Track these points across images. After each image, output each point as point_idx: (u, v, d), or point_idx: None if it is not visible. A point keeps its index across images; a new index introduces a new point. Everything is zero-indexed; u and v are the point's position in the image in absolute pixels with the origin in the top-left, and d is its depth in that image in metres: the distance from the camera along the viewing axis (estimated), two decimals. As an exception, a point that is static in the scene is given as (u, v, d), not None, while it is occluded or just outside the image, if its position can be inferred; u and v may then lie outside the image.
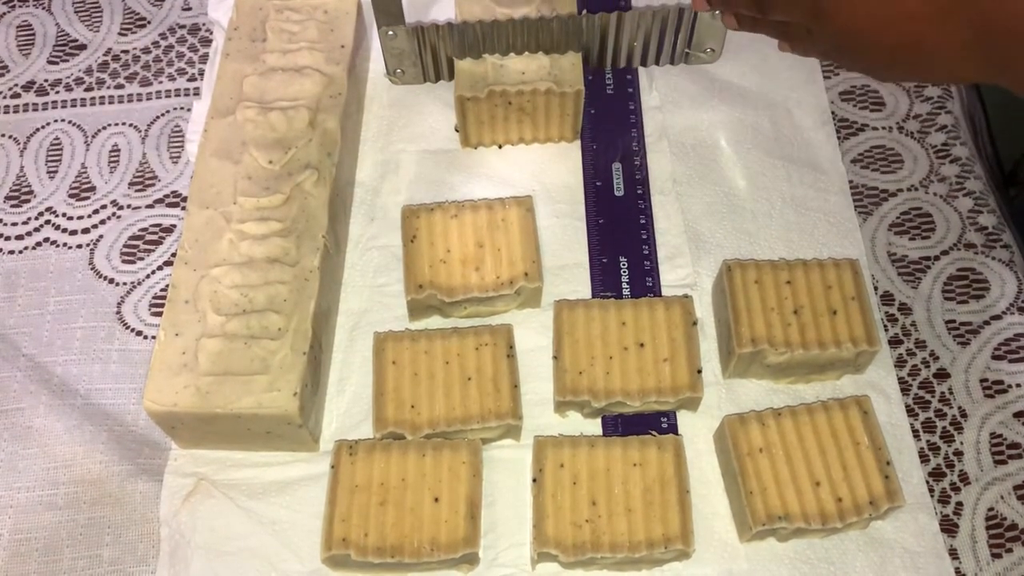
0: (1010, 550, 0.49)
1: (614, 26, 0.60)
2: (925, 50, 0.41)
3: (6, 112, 0.65)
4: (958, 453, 0.52)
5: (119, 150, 0.63)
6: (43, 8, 0.69)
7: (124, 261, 0.59)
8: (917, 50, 0.42)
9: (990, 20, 0.38)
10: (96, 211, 0.61)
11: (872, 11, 0.41)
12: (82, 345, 0.56)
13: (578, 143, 0.62)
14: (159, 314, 0.57)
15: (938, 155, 0.62)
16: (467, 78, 0.58)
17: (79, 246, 0.59)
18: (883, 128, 0.63)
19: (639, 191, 0.59)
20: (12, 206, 0.61)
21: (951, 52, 0.40)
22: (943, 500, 0.51)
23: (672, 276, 0.57)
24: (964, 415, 0.53)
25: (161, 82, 0.66)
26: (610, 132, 0.62)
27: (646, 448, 0.49)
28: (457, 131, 0.61)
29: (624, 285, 0.56)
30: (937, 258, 0.58)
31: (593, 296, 0.56)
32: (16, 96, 0.65)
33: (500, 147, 0.61)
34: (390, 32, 0.58)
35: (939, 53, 0.41)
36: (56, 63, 0.67)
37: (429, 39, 0.59)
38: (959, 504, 0.51)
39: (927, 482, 0.51)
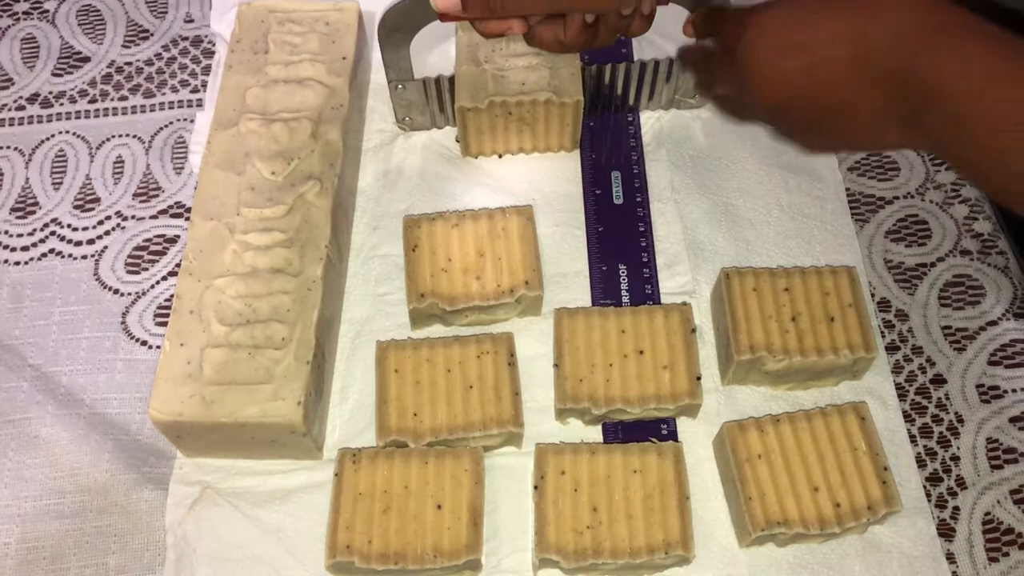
0: (1007, 554, 0.50)
1: (613, 76, 0.61)
2: (850, 117, 0.42)
3: (11, 124, 0.65)
4: (955, 458, 0.53)
5: (123, 161, 0.64)
6: (47, 21, 0.70)
7: (129, 272, 0.60)
8: (843, 117, 0.42)
9: (920, 89, 0.39)
10: (101, 222, 0.61)
11: (795, 83, 0.42)
12: (87, 355, 0.57)
13: (577, 152, 0.62)
14: (164, 324, 0.57)
15: (934, 162, 0.62)
16: (468, 88, 0.59)
17: (84, 257, 0.60)
18: (879, 136, 0.63)
19: (638, 199, 0.60)
20: (18, 217, 0.62)
21: (877, 118, 0.41)
22: (940, 505, 0.51)
23: (671, 284, 0.57)
24: (961, 420, 0.54)
25: (164, 94, 0.67)
26: (609, 142, 0.62)
27: (646, 455, 0.50)
28: (458, 141, 0.62)
29: (623, 293, 0.57)
30: (933, 265, 0.59)
31: (593, 304, 0.57)
32: (21, 108, 0.66)
33: (500, 156, 0.62)
34: (400, 86, 0.59)
35: (864, 119, 0.42)
36: (60, 75, 0.68)
37: (435, 91, 0.60)
38: (956, 509, 0.51)
39: (924, 487, 0.52)
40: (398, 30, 0.55)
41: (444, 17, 0.52)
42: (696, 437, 0.53)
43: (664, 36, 0.65)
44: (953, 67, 0.38)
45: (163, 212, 0.62)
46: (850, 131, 0.44)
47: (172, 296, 0.57)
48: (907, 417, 0.54)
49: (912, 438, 0.53)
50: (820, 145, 0.47)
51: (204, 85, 0.67)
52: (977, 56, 0.38)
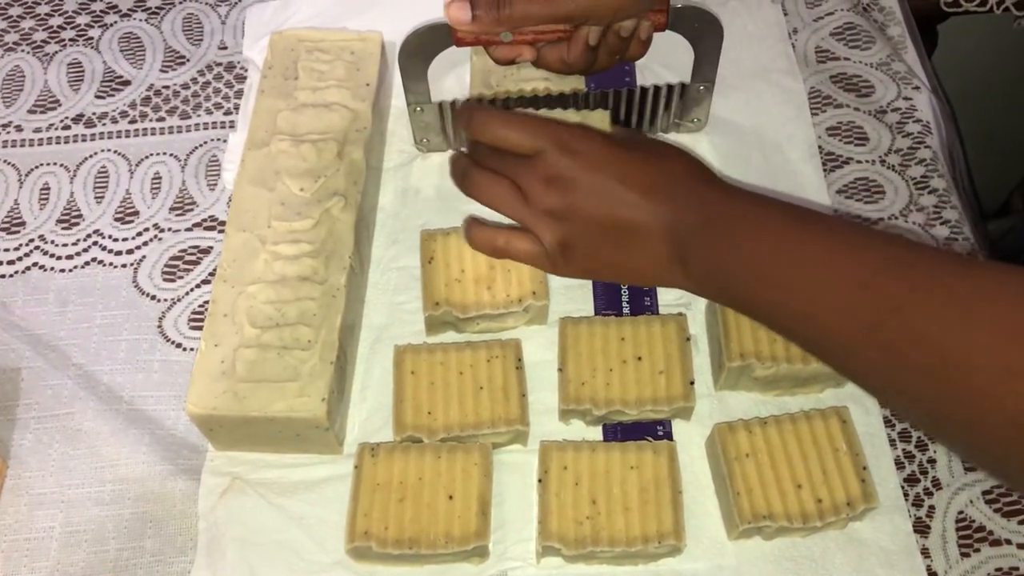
0: (978, 550, 0.53)
1: (616, 101, 0.65)
2: (640, 276, 0.54)
3: (58, 143, 0.70)
4: (931, 461, 0.56)
5: (160, 178, 0.68)
6: (92, 47, 0.75)
7: (165, 280, 0.64)
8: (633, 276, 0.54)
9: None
10: (139, 233, 0.66)
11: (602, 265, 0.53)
12: (127, 356, 0.61)
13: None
14: (197, 328, 0.62)
15: (917, 187, 0.66)
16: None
17: (124, 266, 0.65)
18: (866, 161, 0.68)
19: (639, 218, 0.64)
20: (63, 229, 0.66)
21: (661, 272, 0.52)
22: (917, 503, 0.55)
23: (669, 296, 0.61)
24: (938, 426, 0.57)
25: (199, 115, 0.71)
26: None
27: (642, 452, 0.54)
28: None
29: (624, 304, 0.61)
30: (915, 281, 0.62)
31: (595, 314, 0.61)
32: (67, 128, 0.71)
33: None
34: (418, 109, 0.64)
35: (651, 275, 0.53)
36: (103, 97, 0.72)
37: (451, 114, 0.65)
38: (931, 507, 0.55)
39: (902, 487, 0.55)
40: (416, 56, 0.60)
41: (459, 42, 0.57)
42: (690, 438, 0.57)
43: (664, 64, 0.69)
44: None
45: (197, 225, 0.66)
46: (637, 280, 0.55)
47: (205, 302, 0.61)
48: (887, 422, 0.57)
49: (892, 442, 0.57)
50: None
51: (236, 108, 0.71)
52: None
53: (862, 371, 0.44)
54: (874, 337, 0.41)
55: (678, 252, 0.49)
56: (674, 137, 0.68)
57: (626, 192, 0.50)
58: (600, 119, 0.57)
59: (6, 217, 0.67)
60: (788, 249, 0.45)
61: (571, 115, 0.57)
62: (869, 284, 0.42)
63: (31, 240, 0.66)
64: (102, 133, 0.71)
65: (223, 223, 0.65)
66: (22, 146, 0.70)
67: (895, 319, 0.40)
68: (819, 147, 0.68)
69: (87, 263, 0.65)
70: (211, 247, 0.65)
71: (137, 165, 0.69)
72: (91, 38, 0.75)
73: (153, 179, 0.68)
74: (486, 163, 0.54)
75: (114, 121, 0.71)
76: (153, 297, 0.63)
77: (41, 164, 0.69)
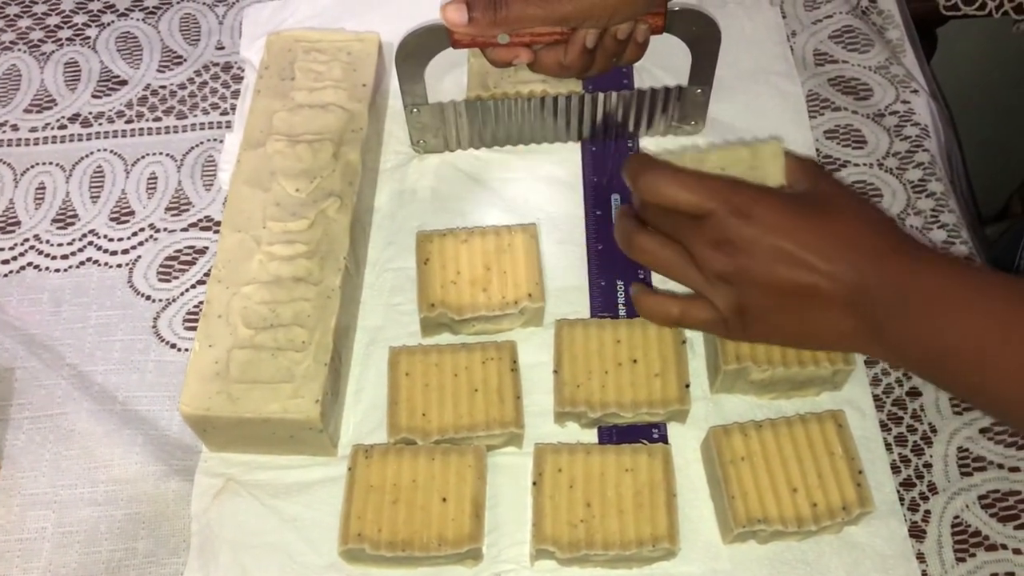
0: (973, 555, 0.53)
1: (613, 103, 0.65)
2: (823, 341, 0.53)
3: (54, 142, 0.70)
4: (927, 465, 0.56)
5: (156, 178, 0.68)
6: (88, 47, 0.75)
7: (160, 280, 0.64)
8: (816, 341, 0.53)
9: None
10: (135, 233, 0.66)
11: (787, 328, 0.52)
12: (121, 356, 0.61)
13: (580, 177, 0.66)
14: (192, 328, 0.61)
15: (915, 190, 0.66)
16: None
17: (119, 266, 0.64)
18: (864, 164, 0.67)
19: (636, 220, 0.64)
20: (58, 228, 0.66)
21: (844, 338, 0.51)
22: (912, 508, 0.55)
23: (665, 299, 0.61)
24: (934, 430, 0.57)
25: (196, 115, 0.71)
26: (610, 166, 0.67)
27: (637, 455, 0.53)
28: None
29: (620, 306, 0.61)
30: (912, 285, 0.62)
31: (591, 316, 0.61)
32: (63, 127, 0.71)
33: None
34: (415, 110, 0.64)
35: (834, 340, 0.51)
36: (100, 97, 0.72)
37: (448, 115, 0.65)
38: (927, 512, 0.55)
39: (898, 491, 0.55)
40: (414, 57, 0.60)
41: (456, 44, 0.57)
42: (685, 441, 0.56)
43: (662, 67, 0.69)
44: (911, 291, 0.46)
45: (193, 225, 0.66)
46: (817, 345, 0.53)
47: (200, 303, 0.61)
48: (883, 427, 0.57)
49: (888, 446, 0.57)
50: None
51: (233, 108, 0.71)
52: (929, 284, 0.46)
53: None
54: None
55: (867, 322, 0.48)
56: (671, 140, 0.68)
57: (805, 257, 0.47)
58: (773, 152, 0.53)
59: (1, 217, 0.67)
60: (1018, 333, 0.44)
61: (741, 150, 0.53)
62: None
63: (26, 240, 0.66)
64: (98, 133, 0.71)
65: (219, 223, 0.65)
66: (18, 145, 0.70)
67: None
68: (817, 150, 0.68)
69: (82, 263, 0.65)
70: (207, 247, 0.65)
71: (133, 165, 0.69)
72: (88, 37, 0.75)
73: (149, 179, 0.68)
74: (653, 224, 0.52)
75: (110, 121, 0.71)
76: (148, 297, 0.63)
77: (37, 164, 0.69)
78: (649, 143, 0.68)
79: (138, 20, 0.76)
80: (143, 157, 0.69)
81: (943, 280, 0.47)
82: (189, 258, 0.65)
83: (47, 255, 0.65)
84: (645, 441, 0.56)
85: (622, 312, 0.61)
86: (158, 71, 0.73)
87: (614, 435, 0.57)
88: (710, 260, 0.49)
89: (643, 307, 0.55)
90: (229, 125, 0.70)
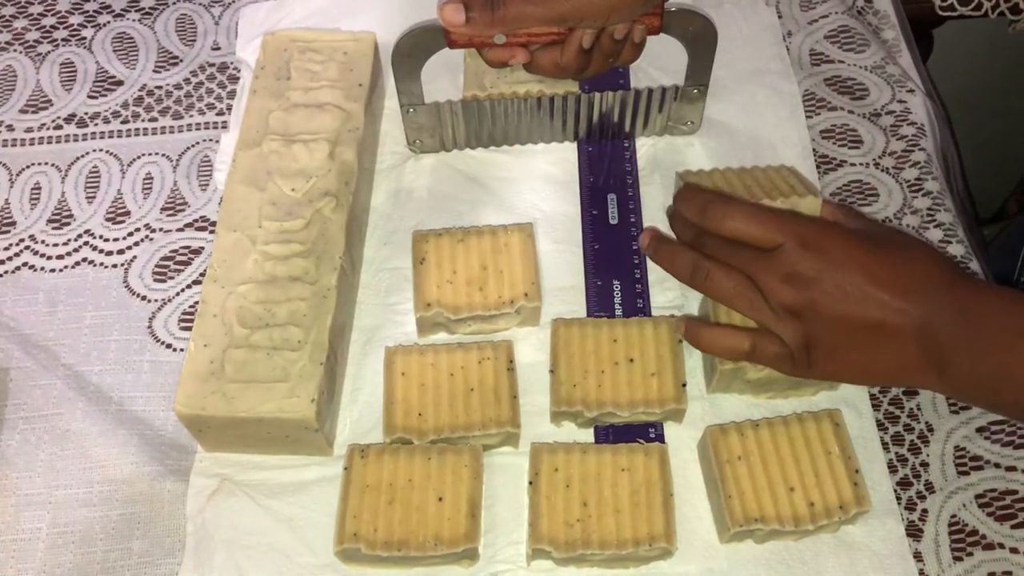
0: (971, 554, 0.53)
1: (609, 103, 0.65)
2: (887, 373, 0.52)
3: (49, 142, 0.70)
4: (924, 464, 0.56)
5: (152, 178, 0.68)
6: (84, 47, 0.75)
7: (156, 280, 0.64)
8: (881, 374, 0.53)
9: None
10: (131, 234, 0.66)
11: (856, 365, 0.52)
12: (116, 356, 0.61)
13: (576, 176, 0.66)
14: (187, 328, 0.61)
15: (911, 189, 0.66)
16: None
17: (114, 266, 0.64)
18: (860, 164, 0.67)
19: (632, 220, 0.64)
20: (54, 228, 0.66)
21: (907, 370, 0.50)
22: (909, 507, 0.55)
23: (662, 298, 0.61)
24: (931, 429, 0.57)
25: (192, 116, 0.71)
26: (606, 166, 0.67)
27: (633, 454, 0.53)
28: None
29: (617, 306, 0.61)
30: (909, 284, 0.62)
31: (588, 315, 0.61)
32: (59, 128, 0.71)
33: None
34: (411, 110, 0.64)
35: (896, 371, 0.51)
36: (95, 98, 0.72)
37: (445, 115, 0.65)
38: (924, 511, 0.55)
39: (895, 490, 0.55)
40: (410, 57, 0.60)
41: (452, 44, 0.57)
42: (682, 441, 0.56)
43: (658, 67, 0.69)
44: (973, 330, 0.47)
45: (189, 225, 0.66)
46: (881, 381, 0.54)
47: (196, 303, 0.61)
48: (880, 426, 0.57)
49: (885, 445, 0.57)
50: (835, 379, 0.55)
51: (229, 108, 0.71)
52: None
53: None
54: None
55: (933, 356, 0.48)
56: (668, 140, 0.68)
57: (874, 291, 0.48)
58: (810, 206, 0.55)
59: (-4, 217, 0.67)
60: None
61: (778, 203, 0.55)
62: None
63: (21, 240, 0.66)
64: (94, 133, 0.70)
65: (215, 223, 0.64)
66: (13, 146, 0.70)
67: None
68: (813, 150, 0.68)
69: (78, 263, 0.65)
70: (202, 247, 0.65)
71: (129, 165, 0.69)
72: (84, 38, 0.75)
73: (145, 179, 0.68)
74: (719, 256, 0.52)
75: (106, 121, 0.71)
76: (144, 297, 0.63)
77: (32, 164, 0.69)
78: (645, 143, 0.68)
79: (134, 21, 0.76)
80: (139, 157, 0.69)
81: (1008, 307, 0.48)
82: (185, 258, 0.65)
83: (43, 255, 0.65)
84: (642, 440, 0.55)
85: (618, 311, 0.61)
86: (154, 71, 0.73)
87: (610, 435, 0.57)
88: (779, 293, 0.50)
89: (706, 339, 0.54)
90: (225, 125, 0.70)
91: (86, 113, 0.71)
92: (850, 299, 0.49)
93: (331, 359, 0.55)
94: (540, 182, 0.66)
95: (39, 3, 0.77)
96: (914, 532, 0.54)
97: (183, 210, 0.67)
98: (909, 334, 0.48)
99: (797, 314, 0.50)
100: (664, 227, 0.64)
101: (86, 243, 0.65)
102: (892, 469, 0.56)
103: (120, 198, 0.67)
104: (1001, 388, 0.47)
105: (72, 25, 0.76)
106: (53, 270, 0.64)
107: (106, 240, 0.65)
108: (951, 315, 0.48)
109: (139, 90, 0.72)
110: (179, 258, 0.65)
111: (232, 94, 0.72)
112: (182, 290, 0.63)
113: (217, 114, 0.71)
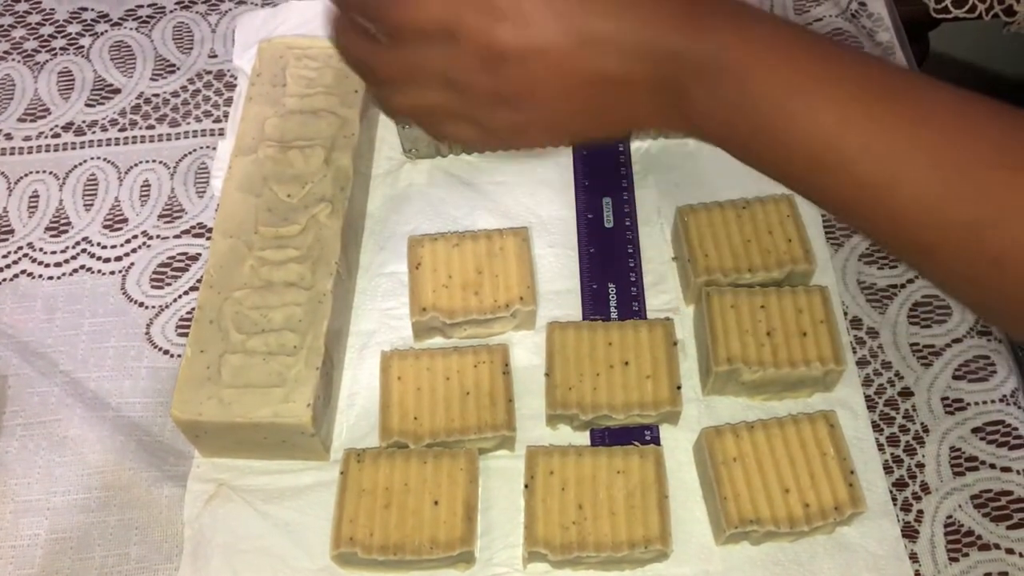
0: (967, 554, 0.53)
1: None
2: (620, 111, 0.41)
3: (47, 150, 0.70)
4: (920, 465, 0.56)
5: (150, 185, 0.68)
6: (82, 56, 0.75)
7: (153, 286, 0.64)
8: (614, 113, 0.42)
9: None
10: (128, 241, 0.66)
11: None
12: (114, 363, 0.61)
13: (571, 180, 0.67)
14: (185, 334, 0.61)
15: (906, 191, 0.66)
16: None
17: (112, 273, 0.65)
18: (855, 166, 0.68)
19: (627, 223, 0.64)
20: (52, 236, 0.66)
21: (640, 106, 0.41)
22: (905, 508, 0.55)
23: (657, 301, 0.61)
24: (926, 430, 0.57)
25: (189, 123, 0.71)
26: (601, 170, 0.67)
27: (629, 457, 0.54)
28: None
29: (612, 309, 0.61)
30: (903, 286, 0.62)
31: (583, 319, 0.61)
32: (56, 136, 0.71)
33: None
34: (405, 126, 0.64)
35: (630, 109, 0.41)
36: (93, 106, 0.72)
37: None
38: (920, 512, 0.55)
39: (890, 491, 0.55)
40: None
41: None
42: (677, 443, 0.56)
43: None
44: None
45: (186, 232, 0.66)
46: (616, 122, 0.42)
47: (193, 309, 0.61)
48: (876, 427, 0.57)
49: (880, 446, 0.57)
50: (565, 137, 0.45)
51: (226, 116, 0.71)
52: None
53: (932, 260, 0.38)
54: (970, 237, 0.36)
55: (673, 98, 0.39)
56: (662, 142, 0.68)
57: (592, 32, 0.38)
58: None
59: (-5, 225, 0.67)
60: (858, 117, 0.37)
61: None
62: (979, 180, 0.36)
63: (19, 248, 0.66)
64: (91, 141, 0.71)
65: (212, 230, 0.65)
66: (11, 154, 0.70)
67: (1006, 227, 0.35)
68: (807, 152, 0.68)
69: (75, 270, 0.65)
70: (199, 254, 0.65)
71: (126, 173, 0.69)
72: (82, 47, 0.75)
73: (142, 187, 0.68)
74: (404, 73, 0.42)
75: (104, 129, 0.71)
76: (141, 304, 0.63)
77: (30, 172, 0.69)
78: (640, 146, 0.68)
79: (131, 29, 0.76)
80: (136, 165, 0.69)
81: (773, 38, 0.39)
82: (182, 265, 0.65)
83: (40, 263, 0.65)
84: (637, 443, 0.56)
85: (613, 315, 0.61)
86: (151, 79, 0.74)
87: (606, 437, 0.57)
88: (478, 85, 0.40)
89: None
90: (222, 132, 0.70)
91: (84, 121, 0.72)
92: (567, 61, 0.38)
93: (327, 364, 0.55)
94: (535, 186, 0.67)
95: (37, 12, 0.77)
96: (910, 533, 0.54)
97: (180, 217, 0.67)
98: (646, 83, 0.39)
99: (507, 100, 0.40)
100: (659, 230, 0.64)
101: (84, 250, 0.66)
102: (887, 470, 0.56)
103: (118, 205, 0.68)
104: (762, 138, 0.39)
105: (70, 34, 0.76)
106: (51, 277, 0.65)
107: (104, 247, 0.66)
108: (695, 47, 0.38)
109: (136, 98, 0.73)
110: (176, 264, 0.65)
111: (229, 101, 0.72)
112: (179, 296, 0.63)
113: (214, 121, 0.71)
